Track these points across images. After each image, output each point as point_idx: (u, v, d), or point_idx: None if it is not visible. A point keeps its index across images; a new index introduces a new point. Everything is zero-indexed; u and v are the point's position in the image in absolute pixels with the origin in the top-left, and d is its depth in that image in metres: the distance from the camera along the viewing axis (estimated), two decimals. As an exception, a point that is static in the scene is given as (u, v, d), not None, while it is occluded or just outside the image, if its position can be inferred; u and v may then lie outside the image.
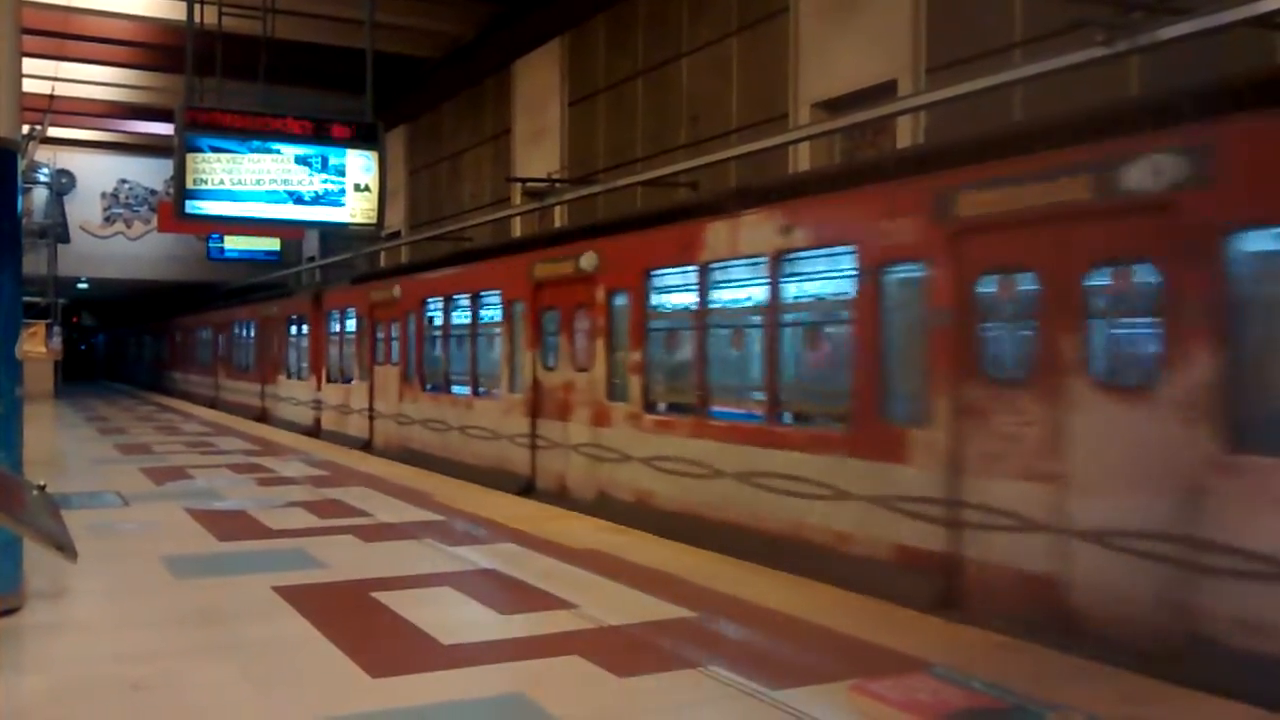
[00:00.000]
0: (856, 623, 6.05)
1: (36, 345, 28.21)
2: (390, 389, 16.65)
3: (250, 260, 32.93)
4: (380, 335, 17.29)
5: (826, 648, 5.66)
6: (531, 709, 4.65)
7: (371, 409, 17.52)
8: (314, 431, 20.22)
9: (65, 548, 3.56)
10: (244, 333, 27.62)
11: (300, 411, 21.70)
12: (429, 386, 15.47)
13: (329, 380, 20.08)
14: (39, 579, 6.72)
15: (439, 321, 15.29)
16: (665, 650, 5.56)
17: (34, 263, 30.04)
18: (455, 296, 14.75)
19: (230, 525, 9.31)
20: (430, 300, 15.48)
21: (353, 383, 18.62)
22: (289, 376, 23.00)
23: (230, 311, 29.55)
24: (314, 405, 20.84)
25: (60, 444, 17.69)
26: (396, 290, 16.47)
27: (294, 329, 22.86)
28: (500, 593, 6.91)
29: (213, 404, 29.63)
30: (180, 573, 7.36)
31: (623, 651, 5.59)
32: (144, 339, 48.72)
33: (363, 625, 6.08)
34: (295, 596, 6.61)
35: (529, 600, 6.68)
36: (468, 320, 14.35)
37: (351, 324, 19.12)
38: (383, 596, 6.64)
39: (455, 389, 14.73)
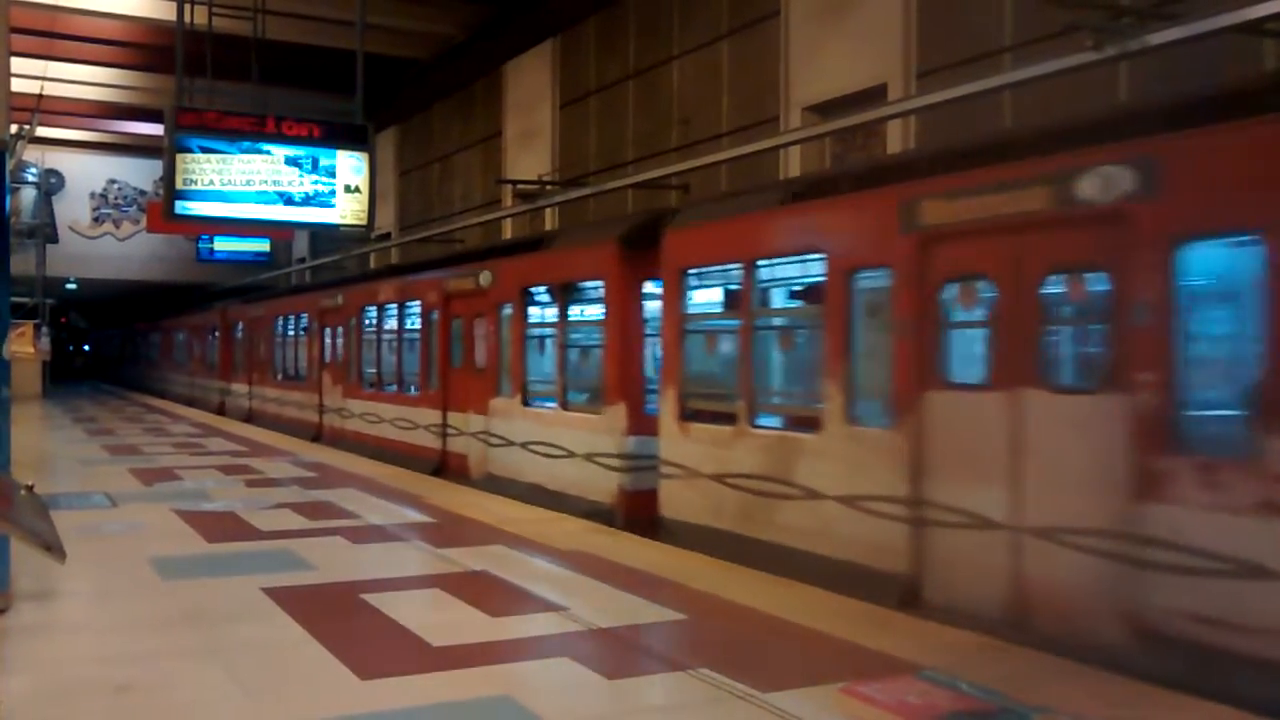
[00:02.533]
0: (845, 625, 6.06)
1: (24, 346, 28.07)
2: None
3: (240, 261, 32.87)
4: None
5: (816, 650, 5.66)
6: (520, 711, 4.64)
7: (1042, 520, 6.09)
8: (636, 521, 9.73)
9: (54, 548, 3.55)
10: (394, 323, 16.69)
11: (575, 474, 10.94)
12: None
13: (687, 418, 9.14)
14: (26, 580, 6.69)
15: None
16: (655, 652, 5.56)
17: (22, 263, 29.92)
18: None
19: (219, 527, 9.28)
20: None
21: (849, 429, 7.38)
22: (527, 402, 12.13)
23: (359, 290, 18.41)
24: (633, 464, 10.12)
25: (48, 445, 17.61)
26: None
27: (541, 311, 12.29)
28: (489, 594, 6.89)
29: (315, 436, 19.43)
30: (168, 574, 7.33)
31: (612, 654, 5.60)
32: (174, 337, 36.35)
33: (351, 627, 6.06)
34: (284, 598, 6.60)
35: (518, 602, 6.67)
36: None
37: (778, 293, 8.99)
38: (371, 598, 6.63)
39: None
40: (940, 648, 5.59)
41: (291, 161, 11.23)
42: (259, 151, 11.07)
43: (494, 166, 20.16)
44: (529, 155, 18.75)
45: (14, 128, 17.75)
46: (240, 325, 26.42)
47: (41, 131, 28.10)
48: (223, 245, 31.90)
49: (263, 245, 32.12)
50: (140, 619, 6.24)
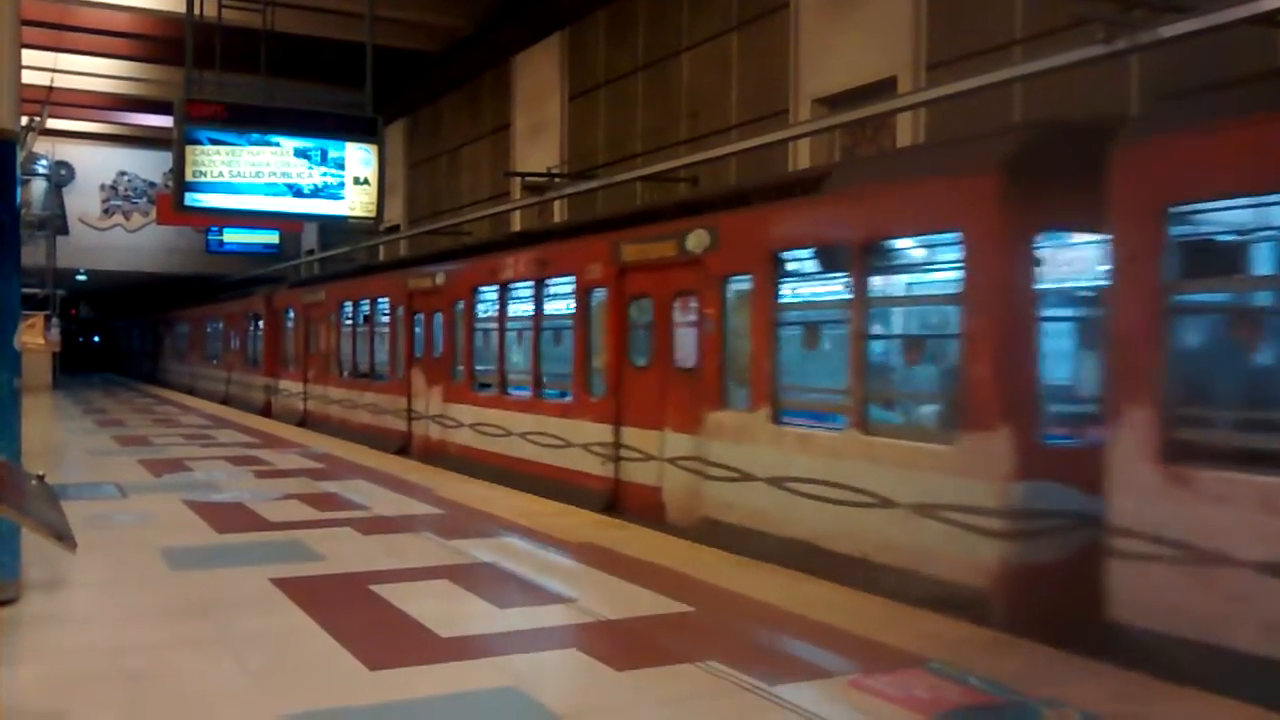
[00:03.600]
0: (854, 619, 6.05)
1: (35, 337, 28.17)
2: None
3: (249, 253, 32.93)
4: None
5: (825, 643, 5.66)
6: (528, 702, 4.65)
7: None
8: (1033, 618, 5.92)
9: (65, 538, 3.56)
10: (529, 307, 12.54)
11: (895, 534, 6.94)
12: None
13: (1180, 459, 5.31)
14: (36, 570, 6.72)
15: None
16: (663, 644, 5.56)
17: (32, 254, 30.01)
18: None
19: (228, 517, 9.30)
20: None
21: None
22: (780, 419, 8.20)
23: (471, 265, 14.25)
24: (1026, 526, 6.22)
25: (58, 435, 17.68)
26: None
27: (804, 287, 8.90)
28: (498, 586, 6.91)
29: (402, 448, 15.65)
30: (178, 564, 7.36)
31: (620, 645, 5.60)
32: (204, 327, 31.88)
33: (360, 617, 6.07)
34: (292, 588, 6.61)
35: (527, 594, 6.68)
36: None
37: None
38: (380, 589, 6.64)
39: None
40: (950, 642, 5.58)
41: (300, 153, 11.26)
42: (268, 143, 11.09)
43: (503, 159, 20.15)
44: (538, 148, 18.74)
45: (24, 120, 17.74)
46: (291, 313, 22.39)
47: (52, 124, 28.27)
48: (232, 237, 31.99)
49: (272, 237, 32.20)
50: (150, 609, 6.27)
